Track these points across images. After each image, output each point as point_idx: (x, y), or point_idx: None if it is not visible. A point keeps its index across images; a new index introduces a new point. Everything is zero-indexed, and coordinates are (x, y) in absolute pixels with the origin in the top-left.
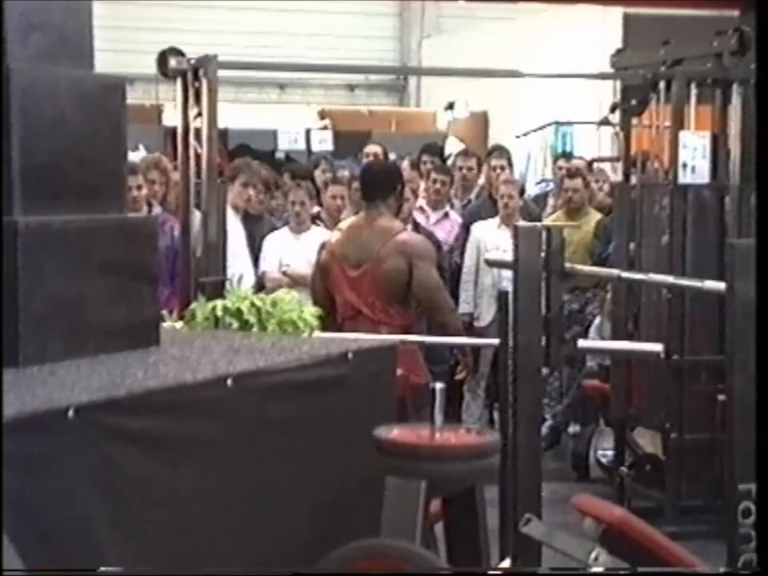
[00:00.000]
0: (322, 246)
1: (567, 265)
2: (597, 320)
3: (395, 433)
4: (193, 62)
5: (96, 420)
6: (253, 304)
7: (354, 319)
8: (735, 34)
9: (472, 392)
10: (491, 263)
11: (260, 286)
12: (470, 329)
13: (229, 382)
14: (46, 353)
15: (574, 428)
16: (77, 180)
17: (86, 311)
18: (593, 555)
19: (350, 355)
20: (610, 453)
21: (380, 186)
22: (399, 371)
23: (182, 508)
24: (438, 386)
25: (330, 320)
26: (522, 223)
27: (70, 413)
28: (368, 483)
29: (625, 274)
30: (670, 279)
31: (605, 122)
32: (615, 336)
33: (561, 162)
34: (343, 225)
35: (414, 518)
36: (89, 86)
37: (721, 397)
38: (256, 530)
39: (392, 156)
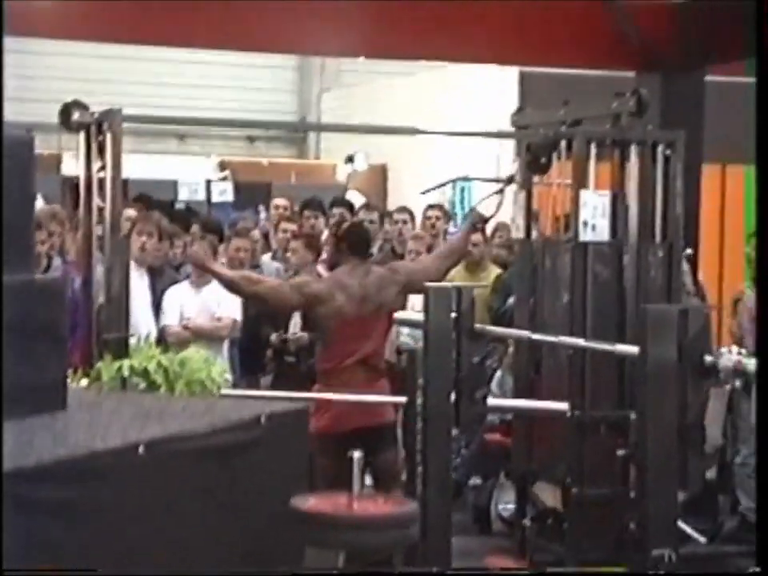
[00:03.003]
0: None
1: (477, 325)
2: (498, 373)
3: (312, 502)
4: (96, 115)
5: (3, 490)
6: (160, 364)
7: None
8: (633, 96)
9: None
10: (400, 322)
11: (160, 340)
12: None
13: (140, 449)
14: None
15: (474, 480)
16: None
17: None
18: None
19: (263, 419)
20: (511, 506)
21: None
22: None
23: None
24: (356, 454)
25: None
26: (431, 283)
27: None
28: (283, 548)
29: (536, 336)
30: (581, 342)
31: (511, 180)
32: (516, 390)
33: (429, 213)
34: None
35: None
36: None
37: (620, 452)
38: None
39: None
